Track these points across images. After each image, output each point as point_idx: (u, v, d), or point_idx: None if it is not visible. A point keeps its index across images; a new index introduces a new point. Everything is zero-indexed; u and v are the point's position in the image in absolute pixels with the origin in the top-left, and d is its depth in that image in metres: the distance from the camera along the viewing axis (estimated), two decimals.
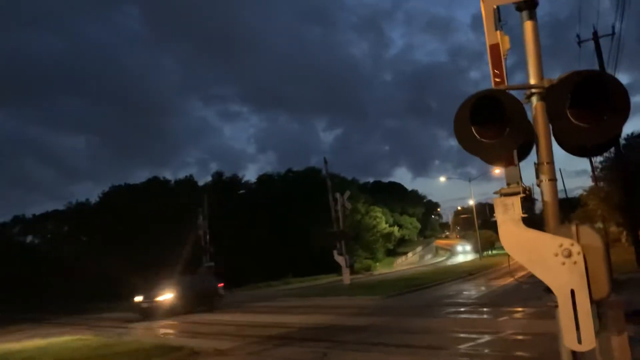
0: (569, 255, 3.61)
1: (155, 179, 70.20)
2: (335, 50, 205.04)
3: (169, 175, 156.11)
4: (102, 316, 26.09)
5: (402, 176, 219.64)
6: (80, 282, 52.46)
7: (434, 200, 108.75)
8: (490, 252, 64.68)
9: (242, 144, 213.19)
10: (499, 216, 4.01)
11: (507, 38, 4.44)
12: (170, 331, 16.01)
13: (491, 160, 4.47)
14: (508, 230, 3.96)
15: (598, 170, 33.18)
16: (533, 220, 4.16)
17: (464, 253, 79.02)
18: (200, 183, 68.50)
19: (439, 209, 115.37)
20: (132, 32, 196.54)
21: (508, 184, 4.17)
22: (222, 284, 27.18)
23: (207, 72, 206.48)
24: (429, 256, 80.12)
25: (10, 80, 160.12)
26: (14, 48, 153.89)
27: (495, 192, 4.18)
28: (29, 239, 75.10)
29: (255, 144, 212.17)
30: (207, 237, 37.81)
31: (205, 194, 41.81)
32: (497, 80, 4.36)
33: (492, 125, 3.96)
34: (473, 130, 3.97)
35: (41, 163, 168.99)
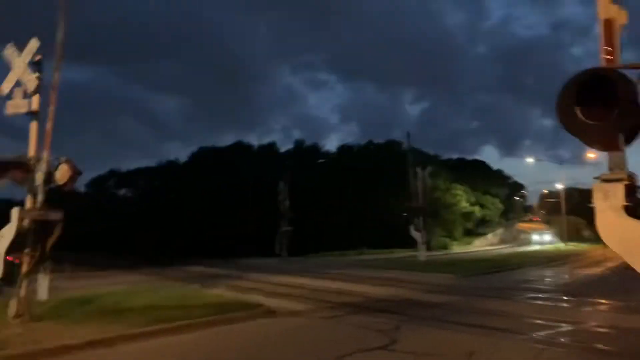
0: None
1: (240, 143, 72.48)
2: (430, 20, 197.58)
3: (253, 140, 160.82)
4: (187, 269, 27.63)
5: (489, 155, 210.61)
6: (167, 235, 55.80)
7: (520, 181, 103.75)
8: (577, 244, 61.36)
9: (326, 114, 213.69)
10: (598, 203, 3.81)
11: (624, 13, 4.11)
12: (247, 288, 16.70)
13: (593, 144, 4.22)
14: (607, 218, 3.76)
15: None
16: (635, 210, 3.90)
17: (548, 238, 75.65)
18: (282, 150, 69.89)
19: (524, 191, 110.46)
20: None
21: (611, 170, 3.93)
22: None
23: (299, 39, 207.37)
24: (510, 239, 77.39)
25: (114, 40, 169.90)
26: (119, 10, 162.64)
27: (596, 177, 3.96)
28: (123, 191, 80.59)
29: (339, 113, 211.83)
30: (287, 202, 38.74)
31: (287, 160, 42.62)
32: (609, 57, 4.07)
33: (599, 106, 3.72)
34: (577, 110, 3.76)
35: (137, 121, 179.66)
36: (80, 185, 71.97)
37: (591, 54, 4.15)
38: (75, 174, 9.86)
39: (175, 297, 13.08)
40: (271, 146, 71.51)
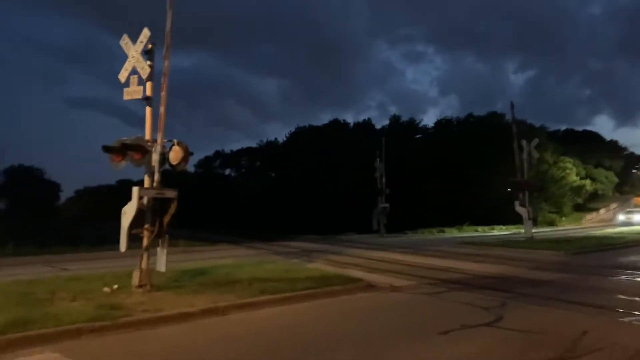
0: None
1: (336, 121, 73.02)
2: None
3: (350, 118, 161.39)
4: (288, 244, 28.59)
5: (603, 125, 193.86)
6: (269, 212, 58.02)
7: (638, 153, 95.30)
8: None
9: (425, 87, 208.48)
10: None
11: None
12: (347, 264, 16.99)
13: None
14: None
15: None
16: None
17: None
18: (378, 127, 69.45)
19: None
20: None
21: None
22: None
23: (395, 12, 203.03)
24: (626, 215, 71.68)
25: (215, 27, 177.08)
26: None
27: None
28: (227, 171, 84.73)
29: (438, 87, 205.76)
30: (383, 179, 38.60)
31: (383, 137, 42.33)
32: None
33: None
34: None
35: (239, 103, 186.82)
36: (190, 166, 76.68)
37: None
38: (187, 154, 10.54)
39: (279, 271, 13.64)
40: (367, 123, 71.31)
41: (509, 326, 7.88)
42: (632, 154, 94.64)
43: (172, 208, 10.31)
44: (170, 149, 10.54)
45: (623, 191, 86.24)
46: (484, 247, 24.76)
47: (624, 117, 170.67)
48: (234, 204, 64.75)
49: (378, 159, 39.16)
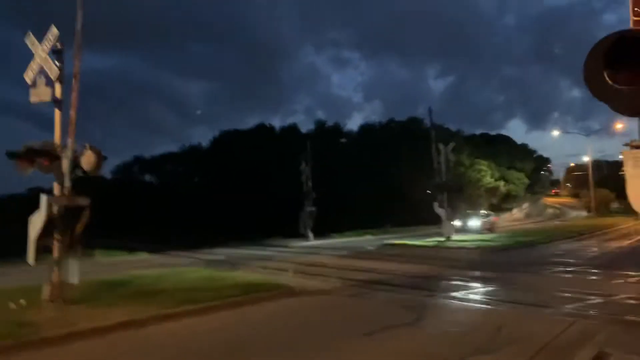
0: None
1: (262, 125, 72.64)
2: None
3: (278, 121, 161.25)
4: (213, 251, 27.98)
5: (516, 128, 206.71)
6: (192, 219, 56.57)
7: (546, 155, 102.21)
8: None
9: (350, 92, 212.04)
10: (629, 170, 3.70)
11: None
12: (273, 269, 16.86)
13: (623, 109, 4.08)
14: (638, 185, 3.65)
15: None
16: None
17: (574, 212, 74.57)
18: (304, 131, 69.82)
19: (549, 165, 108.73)
20: None
21: None
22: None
23: (324, 17, 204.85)
24: (536, 214, 76.47)
25: (142, 27, 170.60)
26: None
27: (626, 144, 3.85)
28: (147, 177, 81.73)
29: (363, 92, 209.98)
30: (309, 183, 38.82)
31: (308, 141, 42.60)
32: (638, 19, 3.92)
33: (628, 70, 3.59)
34: (605, 74, 3.63)
35: (164, 106, 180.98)
36: (106, 172, 73.09)
37: (624, 20, 3.98)
38: (100, 159, 9.99)
39: (202, 279, 13.28)
40: (293, 128, 71.50)
41: (430, 324, 8.09)
42: (541, 156, 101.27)
43: (85, 217, 9.75)
44: (83, 154, 9.95)
45: (534, 192, 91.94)
46: (406, 247, 25.45)
47: (535, 122, 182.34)
48: (156, 211, 62.59)
49: (304, 163, 39.34)
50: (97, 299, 10.16)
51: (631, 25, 3.93)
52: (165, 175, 78.32)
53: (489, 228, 39.48)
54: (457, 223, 39.10)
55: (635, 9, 3.92)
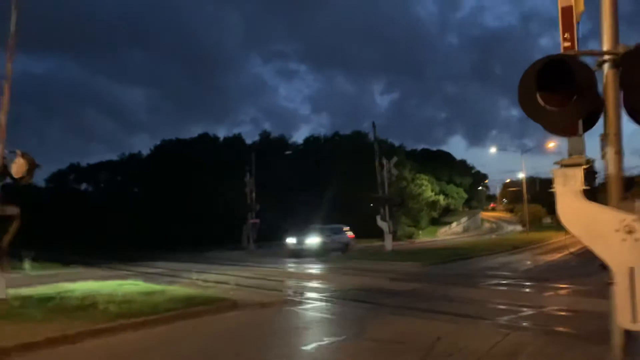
0: (631, 231, 3.47)
1: (205, 135, 71.59)
2: (402, 10, 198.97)
3: (223, 132, 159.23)
4: (152, 264, 27.17)
5: (457, 145, 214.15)
6: (130, 230, 54.69)
7: (485, 171, 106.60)
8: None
9: (296, 105, 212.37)
10: (558, 187, 3.88)
11: (581, 1, 4.19)
12: (213, 282, 16.55)
13: (554, 129, 4.30)
14: (567, 202, 3.83)
15: None
16: (593, 194, 4.00)
17: (510, 226, 77.66)
18: (249, 142, 69.40)
19: (487, 181, 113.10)
20: None
21: (570, 155, 4.01)
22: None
23: (270, 28, 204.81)
24: (474, 227, 79.14)
25: (80, 31, 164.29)
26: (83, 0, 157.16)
27: (556, 163, 4.04)
28: (84, 186, 78.50)
29: (310, 104, 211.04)
30: (254, 194, 38.54)
31: (253, 152, 42.37)
32: (567, 44, 4.15)
33: (558, 92, 3.79)
34: (538, 96, 3.81)
35: (103, 113, 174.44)
36: (40, 180, 69.77)
37: (558, 44, 4.21)
38: (32, 167, 9.53)
39: (139, 293, 12.82)
40: (237, 138, 70.89)
41: (370, 337, 8.14)
42: (479, 172, 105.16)
43: (14, 227, 9.24)
44: (13, 161, 9.44)
45: (471, 206, 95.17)
46: (348, 260, 25.64)
47: (475, 138, 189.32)
48: (92, 222, 60.11)
49: (248, 174, 39.06)
50: (26, 314, 9.58)
51: (561, 51, 4.15)
52: (103, 184, 75.56)
53: (342, 249, 31.35)
54: (291, 241, 30.71)
55: (565, 35, 4.15)
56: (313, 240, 30.31)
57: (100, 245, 50.46)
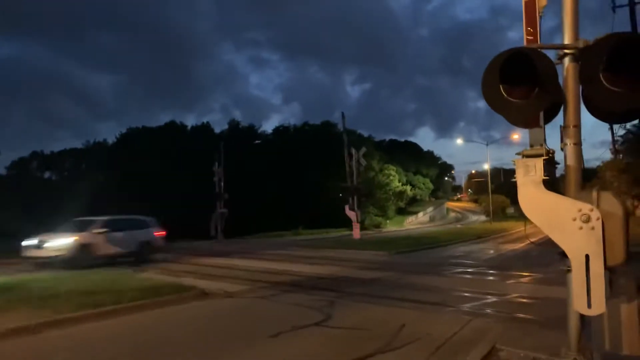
0: (588, 220, 3.60)
1: (173, 123, 70.52)
2: (376, 2, 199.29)
3: (193, 120, 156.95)
4: None
5: (425, 136, 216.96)
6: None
7: (451, 162, 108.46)
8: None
9: (268, 94, 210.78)
10: (520, 177, 3.99)
11: None
12: (181, 271, 16.41)
13: (516, 121, 4.41)
14: (528, 192, 3.94)
15: (619, 142, 32.60)
16: (553, 184, 4.12)
17: (474, 216, 79.26)
18: (218, 131, 68.67)
19: (453, 171, 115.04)
20: None
21: (531, 146, 4.12)
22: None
23: (243, 16, 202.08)
24: (440, 217, 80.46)
25: (47, 13, 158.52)
26: None
27: (518, 153, 4.14)
28: (47, 174, 76.50)
29: (281, 94, 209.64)
30: (222, 184, 38.23)
31: (222, 141, 41.97)
32: (530, 38, 4.25)
33: (521, 84, 3.88)
34: (501, 88, 3.89)
35: (69, 99, 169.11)
36: (0, 167, 67.65)
37: None
38: None
39: (104, 282, 12.63)
40: (205, 127, 70.06)
41: (337, 324, 8.23)
42: (445, 163, 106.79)
43: None
44: None
45: (437, 196, 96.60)
46: (317, 249, 25.79)
47: (443, 130, 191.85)
48: (54, 210, 58.65)
49: (217, 163, 38.70)
50: None
51: (524, 43, 4.25)
52: (67, 172, 73.75)
53: (138, 252, 20.43)
54: (32, 244, 17.91)
55: (528, 28, 4.25)
56: (59, 242, 17.78)
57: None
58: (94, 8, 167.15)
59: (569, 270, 3.78)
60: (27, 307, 9.07)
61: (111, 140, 72.16)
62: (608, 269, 3.62)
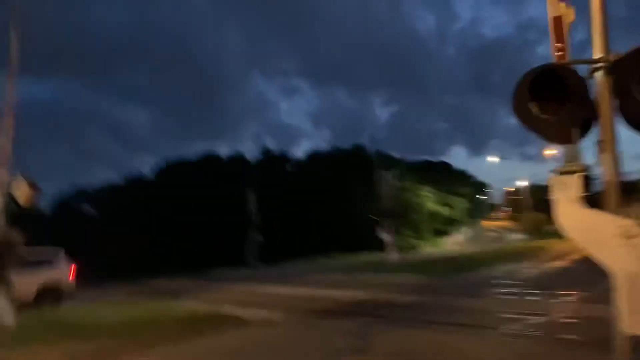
0: (629, 237, 3.50)
1: (208, 154, 71.70)
2: (400, 24, 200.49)
3: (225, 148, 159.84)
4: (158, 284, 27.13)
5: (458, 155, 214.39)
6: (135, 252, 54.67)
7: (486, 180, 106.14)
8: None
9: (298, 120, 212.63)
10: (556, 195, 3.92)
11: (571, 10, 4.26)
12: (219, 300, 16.50)
13: (550, 138, 4.35)
14: (565, 209, 3.87)
15: None
16: (591, 200, 4.04)
17: (513, 235, 77.41)
18: (251, 159, 69.49)
19: (488, 190, 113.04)
20: (199, 3, 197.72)
21: (567, 162, 4.05)
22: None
23: (271, 46, 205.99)
24: (476, 237, 78.87)
25: (82, 52, 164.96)
26: (88, 21, 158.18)
27: (552, 170, 4.08)
28: (88, 210, 78.51)
29: (311, 120, 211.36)
30: (256, 211, 38.56)
31: (255, 170, 42.49)
32: (559, 54, 4.21)
33: (552, 101, 3.84)
34: (532, 105, 3.87)
35: (106, 134, 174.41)
36: (43, 203, 69.86)
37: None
38: (35, 191, 9.58)
39: (144, 312, 12.81)
40: (240, 156, 70.98)
41: (375, 351, 8.14)
42: (480, 181, 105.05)
43: (18, 253, 9.27)
44: (15, 186, 9.50)
45: (473, 215, 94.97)
46: (352, 273, 25.54)
47: (476, 148, 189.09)
48: (96, 244, 60.11)
49: (250, 191, 39.14)
50: (36, 339, 9.54)
51: (554, 59, 4.22)
52: (107, 207, 75.61)
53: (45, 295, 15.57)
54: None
55: (556, 44, 4.22)
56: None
57: (105, 265, 50.41)
58: (129, 48, 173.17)
59: (614, 289, 3.68)
60: (69, 341, 9.24)
61: (147, 171, 73.75)
62: None
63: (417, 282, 20.36)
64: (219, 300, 16.78)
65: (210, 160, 69.01)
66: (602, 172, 4.12)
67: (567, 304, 12.72)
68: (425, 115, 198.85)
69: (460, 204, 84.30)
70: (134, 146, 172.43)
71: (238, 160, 68.72)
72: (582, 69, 4.12)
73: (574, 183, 3.84)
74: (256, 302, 15.65)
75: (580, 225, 3.79)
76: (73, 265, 17.26)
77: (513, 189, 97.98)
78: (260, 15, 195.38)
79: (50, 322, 11.53)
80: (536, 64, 3.95)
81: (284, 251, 45.02)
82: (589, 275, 15.54)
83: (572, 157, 4.01)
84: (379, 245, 35.30)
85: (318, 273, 27.77)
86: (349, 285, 19.71)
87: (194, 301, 16.84)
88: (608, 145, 4.02)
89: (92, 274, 44.33)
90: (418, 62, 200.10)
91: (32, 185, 9.48)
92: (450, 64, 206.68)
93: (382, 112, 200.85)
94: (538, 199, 73.14)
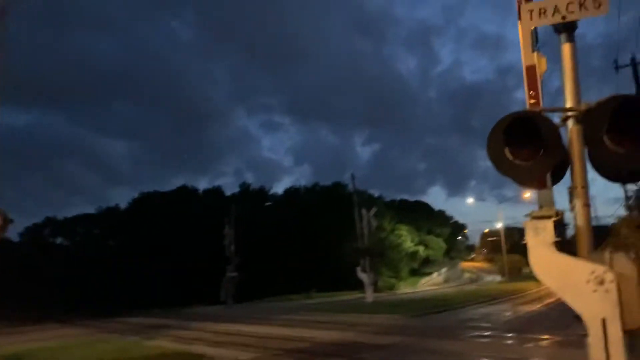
0: (602, 282, 3.53)
1: (184, 187, 71.17)
2: (383, 65, 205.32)
3: (205, 183, 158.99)
4: (128, 320, 26.38)
5: (436, 195, 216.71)
6: (106, 285, 53.35)
7: (463, 221, 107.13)
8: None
9: (280, 156, 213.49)
10: (530, 239, 3.95)
11: (544, 60, 4.41)
12: (190, 338, 16.08)
13: (524, 183, 4.42)
14: (539, 254, 3.90)
15: (632, 198, 32.29)
16: (564, 245, 4.08)
17: (489, 276, 77.64)
18: (230, 194, 69.13)
19: (466, 231, 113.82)
20: (185, 39, 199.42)
21: (540, 207, 4.11)
22: None
23: (255, 82, 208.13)
24: (454, 278, 78.89)
25: (63, 83, 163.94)
26: (71, 51, 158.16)
27: (527, 215, 4.12)
28: (59, 240, 76.70)
29: (293, 156, 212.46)
30: (233, 247, 38.07)
31: (233, 204, 42.19)
32: (532, 101, 4.33)
33: (526, 147, 3.92)
34: (506, 151, 3.94)
35: (84, 166, 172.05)
36: (14, 234, 68.19)
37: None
38: (6, 222, 9.35)
39: (113, 351, 12.42)
40: (217, 190, 70.62)
41: None
42: (457, 222, 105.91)
43: None
44: None
45: (451, 256, 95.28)
46: (329, 313, 25.22)
47: (454, 189, 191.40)
48: (67, 277, 58.43)
49: (227, 226, 38.71)
50: None
51: (527, 107, 4.34)
52: (79, 238, 73.98)
53: None
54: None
55: (530, 92, 4.35)
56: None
57: (75, 300, 49.00)
58: (110, 77, 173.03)
59: (587, 335, 3.68)
60: None
61: (124, 205, 72.71)
62: (627, 332, 3.51)
63: (394, 323, 20.17)
64: (191, 338, 16.35)
65: (186, 193, 68.48)
66: (574, 217, 4.19)
67: (542, 348, 12.70)
68: (405, 155, 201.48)
69: (439, 244, 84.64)
70: (113, 179, 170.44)
71: (215, 193, 68.35)
72: (555, 116, 4.24)
73: (548, 228, 3.88)
74: (228, 341, 15.29)
75: (554, 270, 3.82)
76: None
77: (488, 230, 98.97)
78: (245, 52, 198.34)
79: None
80: (514, 108, 4.06)
81: (261, 288, 44.39)
82: (564, 319, 15.61)
83: (546, 202, 4.07)
84: (358, 285, 35.00)
85: (295, 312, 27.36)
86: (325, 326, 19.43)
87: (165, 339, 16.38)
88: (579, 191, 4.10)
89: (59, 307, 43.09)
90: (400, 102, 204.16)
91: (3, 216, 9.25)
92: (431, 105, 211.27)
93: (363, 150, 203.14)
94: (514, 241, 73.95)
